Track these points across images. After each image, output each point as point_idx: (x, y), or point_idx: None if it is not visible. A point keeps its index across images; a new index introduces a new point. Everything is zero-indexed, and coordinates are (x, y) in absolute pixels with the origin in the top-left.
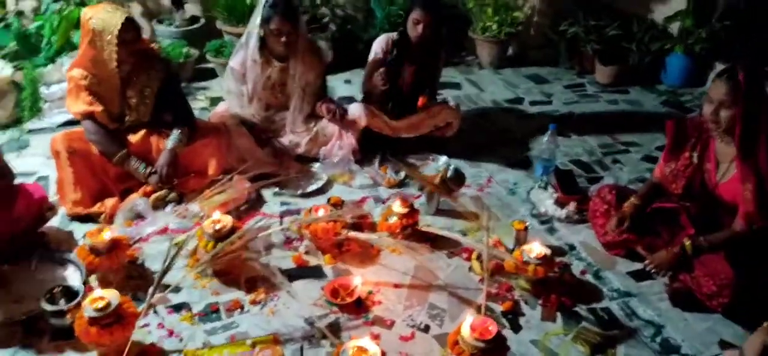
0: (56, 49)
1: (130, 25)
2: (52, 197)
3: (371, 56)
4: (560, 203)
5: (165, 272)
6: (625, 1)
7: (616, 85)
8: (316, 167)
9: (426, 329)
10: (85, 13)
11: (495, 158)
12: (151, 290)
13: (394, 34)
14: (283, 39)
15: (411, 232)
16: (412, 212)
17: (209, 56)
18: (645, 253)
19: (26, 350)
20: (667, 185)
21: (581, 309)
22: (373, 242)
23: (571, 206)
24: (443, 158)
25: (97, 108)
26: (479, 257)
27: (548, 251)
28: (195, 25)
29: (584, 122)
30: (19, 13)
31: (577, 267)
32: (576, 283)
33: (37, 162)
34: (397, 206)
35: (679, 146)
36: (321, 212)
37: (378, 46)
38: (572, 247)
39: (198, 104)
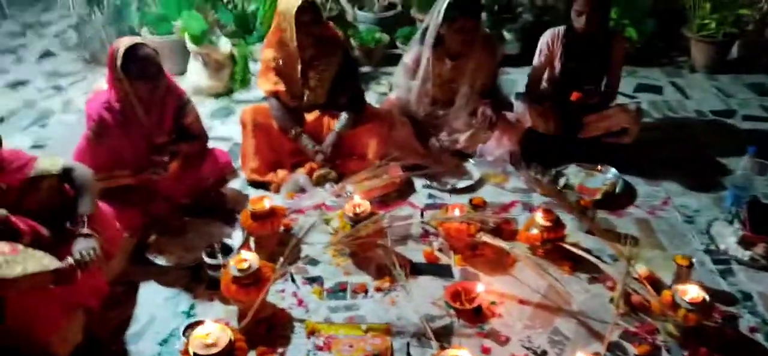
0: (265, 30)
1: (307, 7)
2: (238, 161)
3: (537, 54)
4: (746, 243)
5: (298, 242)
6: None
7: None
8: (470, 164)
9: (542, 355)
10: None
11: (680, 177)
12: (281, 260)
13: (562, 29)
14: (465, 37)
15: (552, 247)
16: (557, 226)
17: (399, 42)
18: None
19: (186, 293)
20: None
21: None
22: (508, 250)
23: (760, 248)
24: (612, 171)
25: (281, 88)
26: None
27: (706, 297)
28: (391, 13)
29: None
30: None
31: (746, 322)
32: (738, 340)
33: (237, 130)
34: (540, 218)
35: None
36: (456, 212)
37: (544, 41)
38: (748, 297)
39: (380, 89)
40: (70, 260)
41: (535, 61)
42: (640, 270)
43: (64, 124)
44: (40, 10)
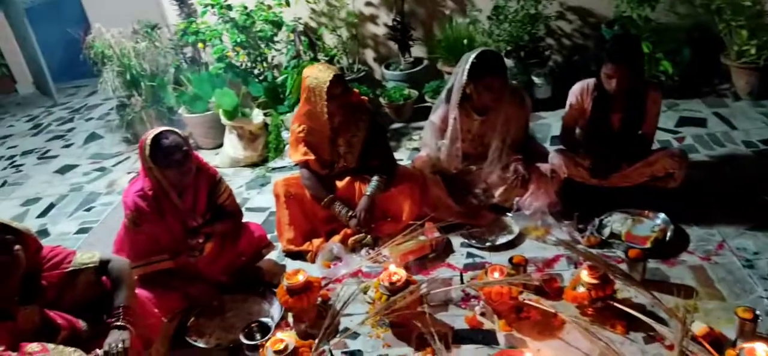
0: (295, 99)
1: (337, 81)
2: (274, 232)
3: (567, 106)
4: None
5: (336, 315)
6: None
7: None
8: (508, 217)
9: None
10: (304, 72)
11: (734, 217)
12: (317, 340)
13: (591, 83)
14: (492, 95)
15: (602, 306)
16: (605, 283)
17: (427, 97)
18: None
19: None
20: None
21: None
22: (555, 312)
23: None
24: (661, 216)
25: (311, 157)
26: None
27: None
28: (418, 68)
29: None
30: (274, 67)
31: None
32: None
33: (273, 200)
34: (586, 276)
35: None
36: (496, 275)
37: (573, 96)
38: None
39: (411, 145)
40: (98, 352)
41: (565, 113)
42: (699, 327)
43: (109, 205)
44: (86, 95)
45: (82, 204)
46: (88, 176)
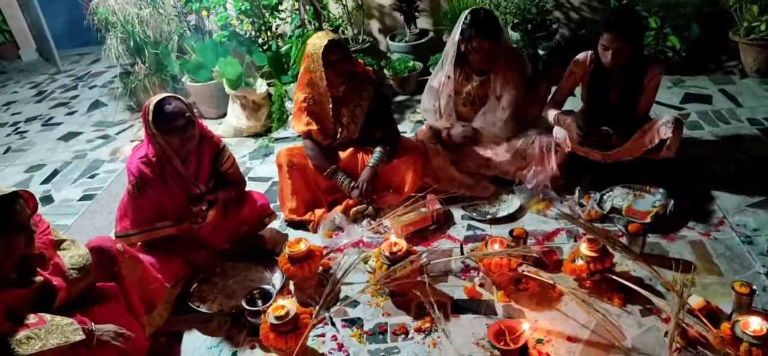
0: (299, 68)
1: (333, 46)
2: (276, 201)
3: (567, 72)
4: None
5: (336, 284)
6: None
7: None
8: (510, 190)
9: None
10: (308, 41)
11: (735, 194)
12: (317, 307)
13: (593, 53)
14: (483, 56)
15: (600, 279)
16: (604, 256)
17: (432, 69)
18: None
19: (228, 341)
20: None
21: None
22: (553, 284)
23: None
24: (662, 191)
25: (313, 127)
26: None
27: None
28: (423, 39)
29: None
30: (278, 36)
31: None
32: None
33: (275, 170)
34: (585, 249)
35: None
36: (495, 247)
37: (573, 64)
38: None
39: (415, 117)
40: (93, 326)
41: (561, 82)
42: (696, 300)
43: (112, 173)
44: (90, 63)
45: (86, 171)
46: (92, 144)
